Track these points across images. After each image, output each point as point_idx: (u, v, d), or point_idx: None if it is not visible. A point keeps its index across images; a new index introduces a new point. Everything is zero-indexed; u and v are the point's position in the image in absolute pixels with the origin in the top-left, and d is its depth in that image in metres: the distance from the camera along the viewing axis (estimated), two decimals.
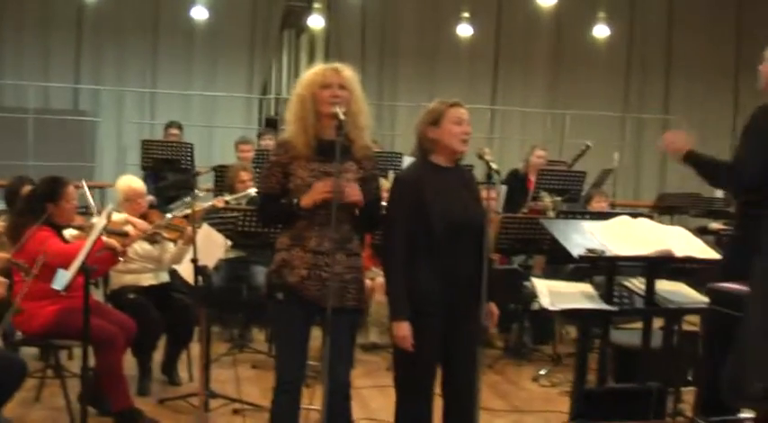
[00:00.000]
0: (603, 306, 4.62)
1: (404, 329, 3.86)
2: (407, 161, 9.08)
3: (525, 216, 7.42)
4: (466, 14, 12.95)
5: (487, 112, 14.13)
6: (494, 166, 3.90)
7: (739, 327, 3.61)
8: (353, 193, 3.86)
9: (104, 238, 4.86)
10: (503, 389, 6.35)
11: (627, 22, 14.54)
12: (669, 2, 14.85)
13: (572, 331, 7.98)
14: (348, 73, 3.98)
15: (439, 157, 4.00)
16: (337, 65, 4.01)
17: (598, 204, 8.01)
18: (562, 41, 14.54)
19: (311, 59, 14.14)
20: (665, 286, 4.88)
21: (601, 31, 12.98)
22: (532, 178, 8.71)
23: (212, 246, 5.11)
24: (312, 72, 3.99)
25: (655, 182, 14.77)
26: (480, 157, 3.97)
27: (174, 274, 6.01)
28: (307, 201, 3.85)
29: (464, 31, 13.19)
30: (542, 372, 6.73)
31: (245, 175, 7.34)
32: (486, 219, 3.93)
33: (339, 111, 3.80)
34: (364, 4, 13.91)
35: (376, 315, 7.41)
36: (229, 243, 5.41)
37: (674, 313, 4.84)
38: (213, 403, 5.34)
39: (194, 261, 4.69)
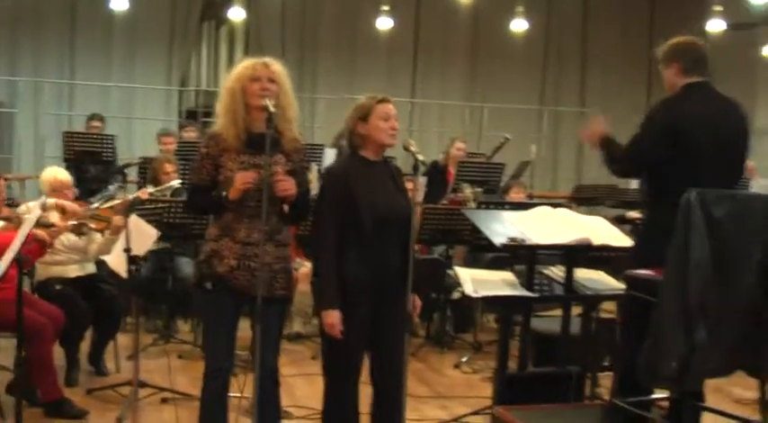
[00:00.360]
0: (525, 293, 4.79)
1: (333, 317, 3.95)
2: (329, 153, 9.20)
3: (446, 207, 7.57)
4: (386, 7, 13.04)
5: (407, 104, 14.27)
6: (420, 157, 4.02)
7: (654, 311, 3.79)
8: (288, 186, 3.93)
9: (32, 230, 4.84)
10: (426, 376, 6.48)
11: (544, 16, 14.82)
12: None
13: (491, 319, 8.19)
14: (277, 67, 4.07)
15: (368, 151, 4.11)
16: (267, 59, 4.10)
17: (516, 195, 8.20)
18: (480, 35, 14.76)
19: (231, 52, 14.15)
20: (583, 274, 5.06)
21: (518, 25, 13.21)
22: (452, 170, 8.87)
23: (142, 236, 5.14)
24: (242, 65, 4.06)
25: (571, 173, 15.11)
26: (406, 148, 4.09)
27: (100, 264, 6.01)
28: (234, 193, 3.92)
29: (384, 23, 13.28)
30: (464, 359, 6.89)
31: (169, 167, 7.34)
32: (411, 210, 4.04)
33: (269, 103, 3.88)
34: None
35: (299, 305, 7.51)
36: (158, 234, 5.42)
37: (592, 300, 5.03)
38: (142, 393, 5.36)
39: (127, 251, 4.73)
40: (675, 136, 4.29)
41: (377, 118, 4.06)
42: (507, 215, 4.95)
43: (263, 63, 4.05)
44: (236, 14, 13.11)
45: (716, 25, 12.85)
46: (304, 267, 6.89)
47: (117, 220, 5.48)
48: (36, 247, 4.99)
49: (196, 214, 4.89)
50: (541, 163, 13.63)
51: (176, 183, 7.04)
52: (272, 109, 3.85)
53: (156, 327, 7.32)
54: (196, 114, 12.87)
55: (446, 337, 7.45)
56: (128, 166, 7.69)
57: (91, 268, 6.08)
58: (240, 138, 3.99)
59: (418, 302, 4.21)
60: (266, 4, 13.80)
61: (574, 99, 15.39)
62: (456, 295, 7.34)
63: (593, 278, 5.06)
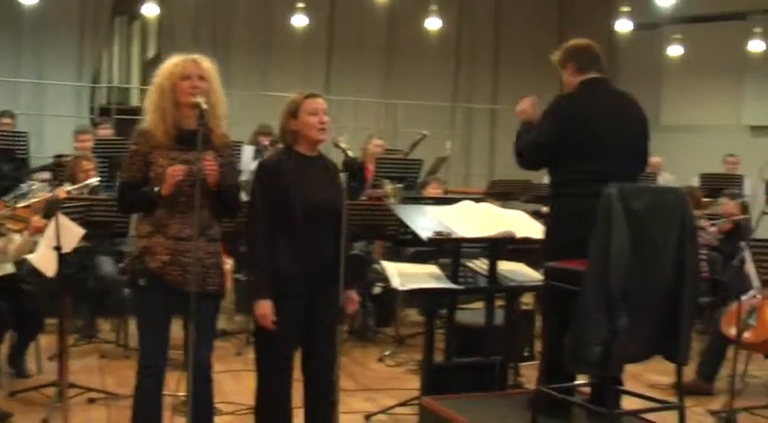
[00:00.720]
0: (450, 285, 4.91)
1: (265, 308, 4.03)
2: (247, 150, 9.23)
3: (368, 202, 7.66)
4: (301, 4, 13.04)
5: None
6: (350, 153, 4.09)
7: (576, 300, 3.95)
8: (211, 166, 3.93)
9: None
10: (351, 370, 6.56)
11: (457, 15, 15.03)
12: None
13: (412, 314, 8.31)
14: (207, 64, 4.11)
15: (301, 146, 4.18)
16: (196, 56, 4.13)
17: (434, 191, 8.36)
18: (395, 32, 14.87)
19: (143, 48, 14.01)
20: (505, 266, 5.22)
21: (432, 23, 13.35)
22: (370, 166, 8.96)
23: (69, 234, 5.09)
24: (171, 62, 4.08)
25: (484, 169, 15.36)
26: (336, 145, 4.16)
27: (20, 264, 5.92)
28: (166, 188, 3.94)
29: (299, 21, 13.29)
30: (387, 352, 7.01)
31: (87, 165, 7.25)
32: (344, 204, 4.11)
33: (201, 101, 3.90)
34: None
35: (224, 302, 7.48)
36: (84, 232, 5.37)
37: (515, 291, 5.19)
38: (68, 393, 5.31)
39: (58, 249, 4.70)
40: (574, 128, 4.43)
41: (305, 113, 4.14)
42: (432, 210, 5.08)
43: (193, 60, 4.08)
44: (149, 10, 12.94)
45: (623, 25, 13.21)
46: (226, 264, 6.89)
47: (36, 220, 5.43)
48: None
49: (127, 212, 4.80)
50: (455, 159, 13.81)
51: (95, 181, 6.97)
52: (204, 106, 3.88)
53: (77, 327, 7.23)
54: (109, 111, 12.67)
55: (369, 331, 7.55)
56: (61, 165, 7.49)
57: (9, 269, 5.97)
58: (170, 134, 4.01)
59: (355, 297, 4.29)
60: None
61: (486, 96, 15.63)
62: (377, 290, 7.43)
63: (514, 270, 5.22)
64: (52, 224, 4.99)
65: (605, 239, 3.84)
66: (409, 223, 4.94)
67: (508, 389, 5.22)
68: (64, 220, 5.14)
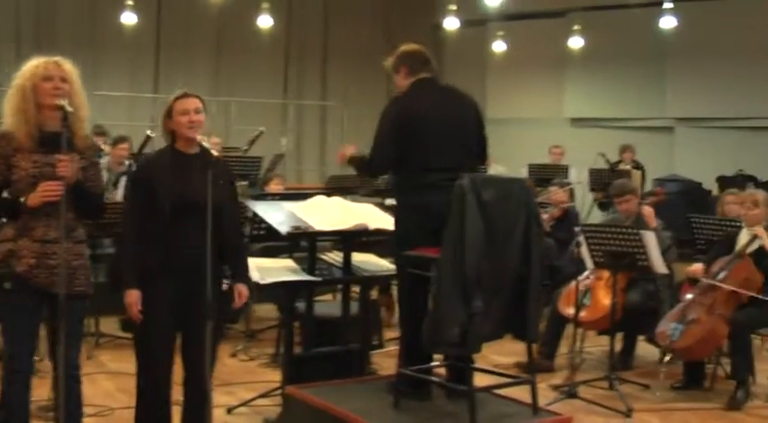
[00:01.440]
0: (309, 277, 5.09)
1: (131, 296, 4.16)
2: None
3: None
4: (129, 2, 12.89)
5: (150, 100, 14.20)
6: (213, 152, 4.18)
7: (432, 285, 4.21)
8: (67, 166, 3.90)
9: None
10: None
11: (287, 13, 15.20)
12: None
13: (259, 309, 8.41)
14: (69, 66, 4.09)
15: (179, 144, 4.29)
16: (57, 58, 4.11)
17: (276, 187, 8.50)
18: (225, 30, 14.92)
19: None
20: (357, 257, 5.43)
21: (264, 21, 13.45)
22: None
23: None
24: (33, 64, 4.03)
25: (316, 165, 15.62)
26: (199, 144, 4.24)
27: None
28: (34, 201, 3.93)
29: (127, 18, 13.12)
30: (239, 347, 7.10)
31: None
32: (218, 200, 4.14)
33: (65, 103, 3.91)
34: None
35: None
36: None
37: (370, 281, 5.41)
38: None
39: None
40: (408, 127, 4.64)
41: (177, 113, 4.24)
42: (287, 205, 5.23)
43: (55, 62, 4.06)
44: None
45: (450, 23, 13.70)
46: None
47: None
48: None
49: None
50: (288, 155, 13.99)
51: None
52: (69, 109, 3.89)
53: None
54: None
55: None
56: None
57: None
58: (33, 137, 3.99)
59: (244, 291, 4.39)
60: None
61: (316, 93, 15.89)
62: (225, 287, 7.49)
63: (366, 261, 5.44)
64: None
65: (459, 229, 4.12)
66: (266, 218, 5.07)
67: (365, 374, 5.44)
68: None
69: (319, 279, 5.10)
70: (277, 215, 5.13)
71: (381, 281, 6.92)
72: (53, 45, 13.70)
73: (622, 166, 11.41)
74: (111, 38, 14.00)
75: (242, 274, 4.45)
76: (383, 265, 5.41)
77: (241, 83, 14.93)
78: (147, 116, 13.88)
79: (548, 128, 14.97)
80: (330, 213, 5.14)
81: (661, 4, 12.85)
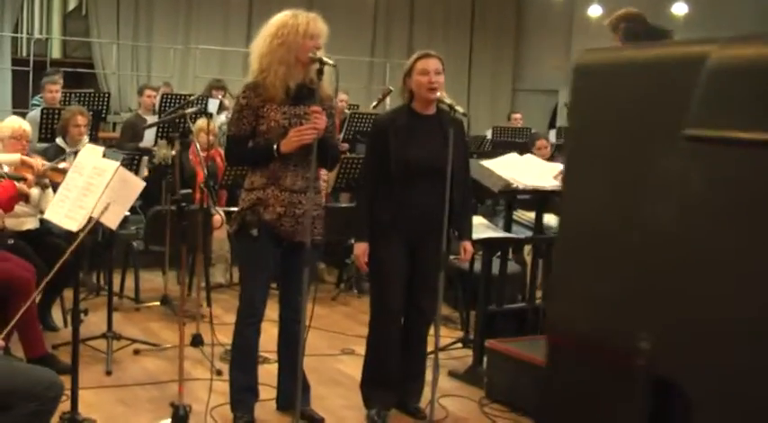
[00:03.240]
0: (511, 235, 5.18)
1: (359, 249, 4.38)
2: (211, 104, 9.19)
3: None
4: None
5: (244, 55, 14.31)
6: (459, 108, 4.26)
7: None
8: (321, 122, 4.06)
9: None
10: (359, 318, 6.74)
11: None
12: None
13: None
14: (324, 24, 4.18)
15: (416, 104, 4.39)
16: (314, 15, 4.18)
17: None
18: None
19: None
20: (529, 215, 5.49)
21: None
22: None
23: (128, 188, 5.06)
24: (299, 21, 4.09)
25: None
26: (441, 101, 4.32)
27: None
28: (288, 146, 4.07)
29: None
30: None
31: (82, 120, 7.06)
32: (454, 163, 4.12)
33: (324, 57, 4.02)
34: None
35: (219, 252, 7.54)
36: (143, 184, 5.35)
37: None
38: (106, 345, 5.43)
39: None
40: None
41: (416, 73, 4.34)
42: (481, 162, 5.31)
43: (318, 20, 4.14)
44: None
45: None
46: (218, 214, 6.97)
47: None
48: (11, 199, 4.89)
49: (237, 164, 4.78)
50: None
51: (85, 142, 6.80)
52: (331, 62, 4.00)
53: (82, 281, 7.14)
54: (28, 62, 12.28)
55: (360, 282, 7.67)
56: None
57: (35, 223, 5.93)
58: (289, 89, 4.11)
59: (470, 247, 4.52)
60: None
61: (403, 53, 15.97)
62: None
63: (553, 221, 5.52)
64: (114, 176, 4.96)
65: None
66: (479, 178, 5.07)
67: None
68: (124, 172, 5.12)
69: (523, 237, 5.20)
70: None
71: None
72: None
73: None
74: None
75: (468, 231, 4.56)
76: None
77: (331, 41, 14.96)
78: (239, 70, 14.03)
79: None
80: (529, 171, 5.22)
81: None
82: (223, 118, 9.32)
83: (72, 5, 13.77)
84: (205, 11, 14.24)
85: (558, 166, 5.57)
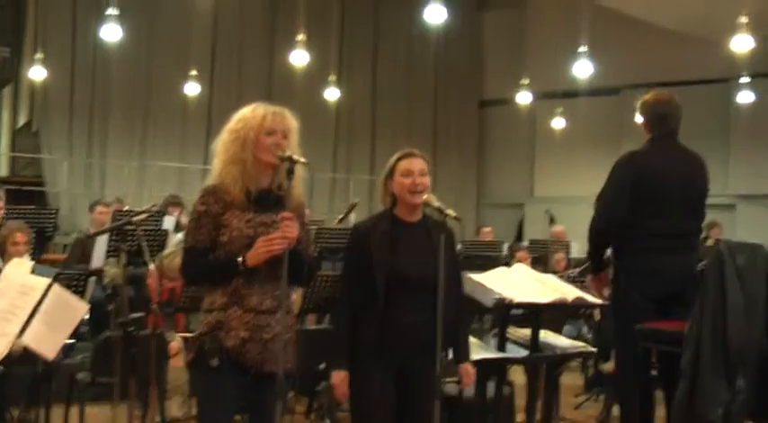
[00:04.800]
0: (500, 355, 4.62)
1: (337, 378, 3.79)
2: (167, 221, 8.65)
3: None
4: (193, 72, 12.70)
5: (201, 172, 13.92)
6: (450, 212, 3.76)
7: (686, 360, 3.77)
8: (293, 230, 3.47)
9: None
10: None
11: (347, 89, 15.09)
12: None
13: None
14: (291, 120, 3.67)
15: (399, 209, 3.89)
16: (278, 108, 3.67)
17: None
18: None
19: (14, 115, 13.23)
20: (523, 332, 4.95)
21: (331, 94, 13.22)
22: None
23: (67, 312, 4.44)
24: (258, 114, 3.55)
25: None
26: (428, 204, 3.83)
27: None
28: (254, 260, 3.49)
29: (191, 89, 12.88)
30: None
31: (20, 237, 6.44)
32: (444, 274, 3.71)
33: (292, 154, 3.50)
34: None
35: (175, 383, 6.86)
36: (86, 307, 4.73)
37: (563, 358, 4.96)
38: None
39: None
40: (640, 184, 4.35)
41: (399, 174, 3.84)
42: (469, 275, 4.78)
43: (281, 114, 3.63)
44: (25, 75, 12.27)
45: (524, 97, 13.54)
46: (176, 341, 6.35)
47: None
48: None
49: (195, 283, 4.10)
50: None
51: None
52: (303, 160, 3.47)
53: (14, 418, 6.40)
54: None
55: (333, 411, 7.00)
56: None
57: None
58: (249, 193, 3.57)
59: (471, 370, 3.94)
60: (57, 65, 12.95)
61: (365, 167, 15.73)
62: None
63: (548, 338, 4.98)
64: (51, 298, 4.34)
65: (720, 297, 3.71)
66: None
67: None
68: (63, 293, 4.50)
69: (521, 357, 4.61)
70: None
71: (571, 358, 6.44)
72: (106, 116, 13.58)
73: (709, 243, 11.01)
74: (163, 109, 13.78)
75: (466, 352, 3.99)
76: (567, 342, 4.95)
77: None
78: (197, 188, 13.57)
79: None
80: (521, 284, 4.69)
81: (726, 80, 12.69)
82: (180, 237, 8.76)
83: (22, 121, 13.31)
84: (162, 126, 13.86)
85: (552, 278, 5.06)
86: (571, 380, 8.15)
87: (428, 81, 16.33)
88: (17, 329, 3.28)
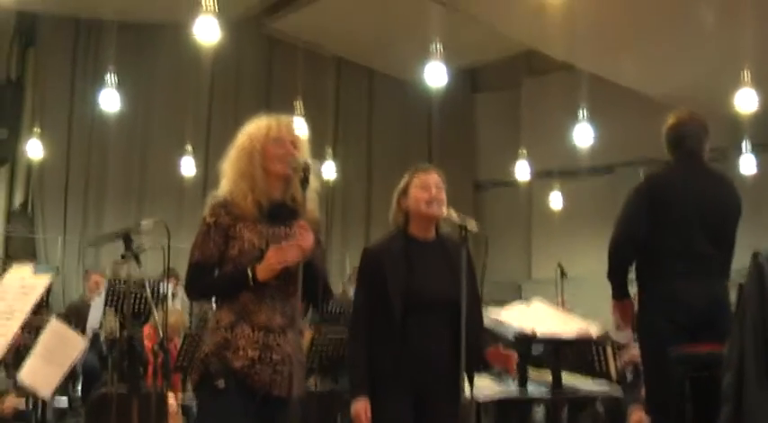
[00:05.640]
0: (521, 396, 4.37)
1: (357, 407, 3.54)
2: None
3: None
4: (188, 148, 12.62)
5: None
6: (472, 226, 3.57)
7: (729, 382, 3.53)
8: (309, 239, 3.29)
9: None
10: None
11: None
12: None
13: None
14: (299, 130, 3.53)
15: (413, 227, 3.73)
16: (285, 117, 3.54)
17: None
18: None
19: (10, 195, 13.06)
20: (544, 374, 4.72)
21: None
22: None
23: (65, 347, 4.19)
24: (262, 125, 3.47)
25: None
26: (448, 219, 3.65)
27: None
28: (265, 272, 3.28)
29: (186, 168, 12.81)
30: None
31: None
32: (460, 294, 3.49)
33: (306, 161, 3.33)
34: None
35: None
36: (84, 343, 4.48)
37: (585, 400, 4.71)
38: None
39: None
40: (656, 205, 4.19)
41: (415, 188, 3.70)
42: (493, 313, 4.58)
43: (287, 124, 3.49)
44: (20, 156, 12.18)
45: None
46: (171, 399, 6.09)
47: None
48: None
49: (201, 297, 3.85)
50: None
51: None
52: (318, 165, 3.30)
53: None
54: None
55: None
56: None
57: None
58: (260, 205, 3.37)
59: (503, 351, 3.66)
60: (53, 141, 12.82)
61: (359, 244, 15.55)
62: None
63: (570, 380, 4.73)
64: (49, 332, 4.11)
65: (762, 312, 3.48)
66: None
67: None
68: (62, 328, 4.27)
69: (546, 397, 4.36)
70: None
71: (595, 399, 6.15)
72: (102, 195, 13.41)
73: None
74: (159, 186, 13.64)
75: (488, 342, 3.77)
76: (588, 382, 4.70)
77: None
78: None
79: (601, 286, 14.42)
80: (542, 319, 4.48)
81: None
82: (178, 306, 8.57)
83: (18, 202, 13.12)
84: (158, 204, 13.66)
85: (569, 318, 4.84)
86: None
87: (423, 161, 16.29)
88: (15, 330, 3.03)
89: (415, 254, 3.64)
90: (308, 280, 3.28)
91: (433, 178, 3.71)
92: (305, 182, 3.31)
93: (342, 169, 14.64)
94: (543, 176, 15.04)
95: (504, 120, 16.40)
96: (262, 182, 3.39)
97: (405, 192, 3.71)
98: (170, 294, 8.53)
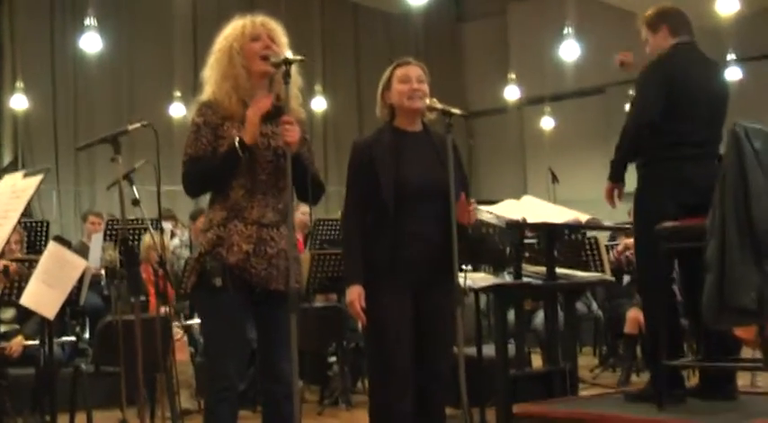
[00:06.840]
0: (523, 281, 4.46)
1: (352, 293, 3.60)
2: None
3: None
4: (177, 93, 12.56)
5: None
6: (455, 110, 3.63)
7: (711, 250, 3.61)
8: (294, 132, 3.29)
9: None
10: None
11: None
12: None
13: None
14: (276, 26, 3.55)
15: (399, 120, 3.78)
16: (261, 17, 3.55)
17: None
18: None
19: None
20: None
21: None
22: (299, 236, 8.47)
23: (65, 270, 4.28)
24: (238, 24, 3.47)
25: None
26: (431, 108, 3.70)
27: None
28: (251, 134, 3.31)
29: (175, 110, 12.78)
30: None
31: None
32: (449, 184, 3.56)
33: (287, 55, 3.36)
34: None
35: (182, 376, 6.62)
36: (85, 263, 4.56)
37: (580, 286, 4.82)
38: None
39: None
40: (673, 93, 4.23)
41: (396, 81, 3.74)
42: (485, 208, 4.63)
43: (261, 21, 3.50)
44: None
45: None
46: (177, 334, 6.16)
47: None
48: None
49: (198, 188, 3.77)
50: None
51: None
52: (298, 58, 3.32)
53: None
54: None
55: (348, 393, 6.74)
56: None
57: None
58: (246, 105, 3.41)
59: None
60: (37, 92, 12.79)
61: None
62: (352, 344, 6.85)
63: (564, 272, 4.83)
64: (47, 255, 4.19)
65: (741, 180, 3.58)
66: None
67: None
68: (61, 251, 4.35)
69: (541, 283, 4.44)
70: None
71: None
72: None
73: None
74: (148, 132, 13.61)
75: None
76: (582, 273, 4.80)
77: None
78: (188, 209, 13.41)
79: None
80: (534, 210, 4.55)
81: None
82: (176, 241, 8.60)
83: (7, 159, 13.12)
84: (148, 150, 13.64)
85: (563, 210, 4.91)
86: (585, 361, 7.96)
87: None
88: (9, 230, 3.09)
89: (404, 145, 3.69)
90: (298, 174, 3.32)
91: (414, 70, 3.74)
92: (287, 76, 3.33)
93: (332, 103, 14.62)
94: (535, 102, 15.06)
95: (492, 48, 16.39)
96: (245, 82, 3.41)
97: (387, 86, 3.76)
98: (169, 233, 8.59)
